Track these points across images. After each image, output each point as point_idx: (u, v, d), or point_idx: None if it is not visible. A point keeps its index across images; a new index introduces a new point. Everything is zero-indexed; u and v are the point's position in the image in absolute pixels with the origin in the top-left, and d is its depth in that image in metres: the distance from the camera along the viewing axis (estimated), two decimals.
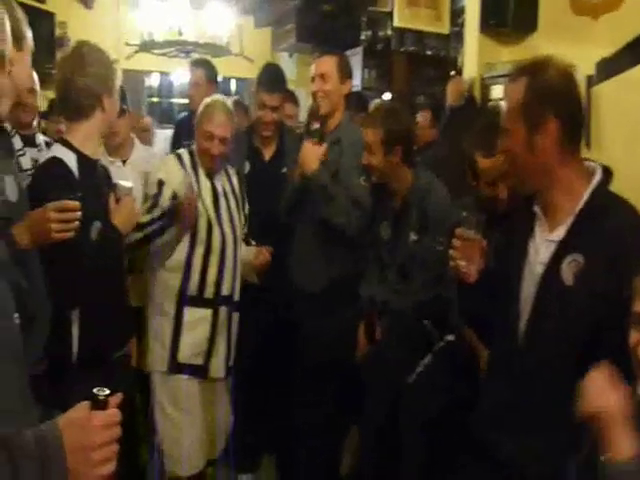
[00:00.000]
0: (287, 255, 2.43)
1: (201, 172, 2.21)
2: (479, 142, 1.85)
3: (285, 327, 2.47)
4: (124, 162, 2.54)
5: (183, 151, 2.26)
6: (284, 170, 2.55)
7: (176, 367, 2.12)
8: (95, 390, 0.86)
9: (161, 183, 2.13)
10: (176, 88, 6.65)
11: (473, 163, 1.87)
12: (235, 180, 2.32)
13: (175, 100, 6.80)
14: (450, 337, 2.09)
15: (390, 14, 5.06)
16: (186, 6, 4.40)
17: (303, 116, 4.56)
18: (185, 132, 3.10)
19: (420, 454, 1.95)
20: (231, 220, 2.23)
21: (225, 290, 2.18)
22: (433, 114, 4.01)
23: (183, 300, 2.14)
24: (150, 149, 2.70)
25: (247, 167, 2.56)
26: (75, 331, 1.66)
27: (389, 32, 5.11)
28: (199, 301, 2.14)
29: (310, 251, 2.38)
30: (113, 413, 0.87)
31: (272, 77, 2.59)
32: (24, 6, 1.49)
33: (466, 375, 1.85)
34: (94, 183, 1.75)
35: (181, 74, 5.67)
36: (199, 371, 2.15)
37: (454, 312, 1.96)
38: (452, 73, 4.63)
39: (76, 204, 1.44)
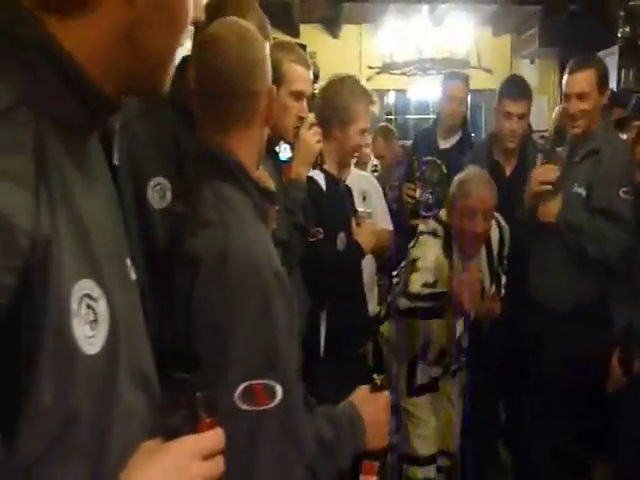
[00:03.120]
0: (527, 271, 2.30)
1: (455, 251, 2.03)
2: None
3: (524, 348, 2.35)
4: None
5: (439, 229, 2.08)
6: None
7: (414, 392, 2.17)
8: (374, 375, 1.04)
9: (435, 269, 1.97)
10: (412, 105, 6.84)
11: None
12: (495, 233, 2.16)
13: (410, 116, 6.99)
14: None
15: None
16: (426, 24, 4.50)
17: (542, 123, 4.29)
18: (423, 145, 3.09)
19: None
20: None
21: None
22: None
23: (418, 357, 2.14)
24: (360, 172, 2.80)
25: None
26: (323, 329, 1.83)
27: None
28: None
29: (556, 267, 2.22)
30: (388, 395, 1.05)
31: (517, 84, 2.52)
32: None
33: None
34: (338, 198, 1.93)
35: (416, 91, 5.80)
36: (430, 388, 2.18)
37: None
38: None
39: None
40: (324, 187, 1.87)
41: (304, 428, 0.91)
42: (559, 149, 2.25)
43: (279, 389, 0.85)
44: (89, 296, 0.56)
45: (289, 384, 0.88)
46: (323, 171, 1.88)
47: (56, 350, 0.52)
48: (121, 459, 0.59)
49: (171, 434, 0.62)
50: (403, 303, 1.97)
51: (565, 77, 2.24)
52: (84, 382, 0.55)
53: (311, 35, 5.90)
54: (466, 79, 3.07)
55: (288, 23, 5.40)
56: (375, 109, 1.91)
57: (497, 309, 2.14)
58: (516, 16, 5.59)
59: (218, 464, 0.64)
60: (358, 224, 1.93)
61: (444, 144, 2.95)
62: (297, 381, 0.92)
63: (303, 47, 5.83)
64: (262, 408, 0.84)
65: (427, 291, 1.94)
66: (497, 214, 2.15)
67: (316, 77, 5.40)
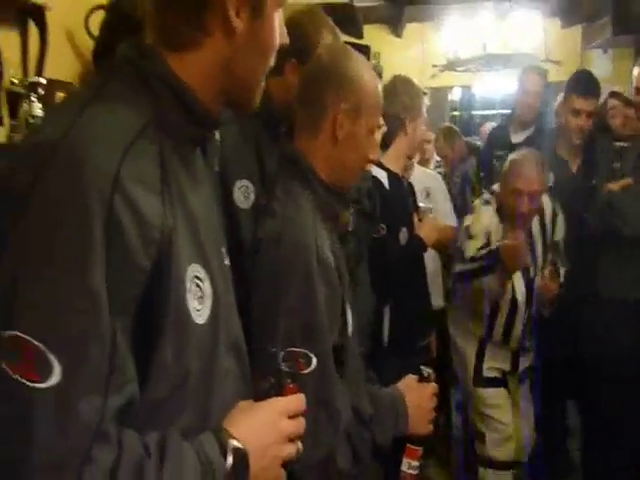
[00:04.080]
0: (596, 266, 2.28)
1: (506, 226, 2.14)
2: None
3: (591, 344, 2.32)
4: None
5: (492, 200, 2.20)
6: (594, 182, 2.38)
7: (480, 381, 2.22)
8: (422, 367, 1.13)
9: (488, 233, 2.12)
10: (477, 100, 6.75)
11: None
12: (548, 210, 2.22)
13: (476, 112, 6.90)
14: None
15: None
16: (490, 19, 4.46)
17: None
18: (496, 142, 3.06)
19: None
20: (532, 270, 2.17)
21: (527, 341, 2.20)
22: None
23: (486, 338, 2.21)
24: (424, 169, 2.81)
25: (551, 179, 2.46)
26: (386, 322, 1.92)
27: None
28: (503, 344, 2.20)
29: (621, 257, 2.21)
30: (435, 386, 1.14)
31: (586, 80, 2.48)
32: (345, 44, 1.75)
33: None
34: (401, 195, 2.01)
35: (482, 87, 5.74)
36: (498, 382, 2.22)
37: None
38: None
39: None
40: (387, 185, 1.95)
41: (337, 398, 1.02)
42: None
43: (314, 359, 0.98)
44: (198, 277, 0.69)
45: (323, 356, 1.00)
46: (385, 169, 1.97)
47: (176, 318, 0.66)
48: (221, 411, 0.73)
49: (261, 396, 0.76)
50: (459, 267, 2.10)
51: (635, 70, 2.20)
52: (195, 346, 0.68)
53: (374, 35, 5.95)
54: (543, 74, 3.04)
55: (351, 25, 5.48)
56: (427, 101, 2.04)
57: (554, 288, 2.13)
58: (586, 6, 5.42)
59: (300, 423, 0.77)
60: (420, 219, 2.00)
61: (516, 138, 2.92)
62: (331, 355, 1.02)
63: (367, 48, 5.88)
64: (300, 372, 0.97)
65: (480, 253, 2.06)
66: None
67: (379, 76, 5.43)
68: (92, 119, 0.64)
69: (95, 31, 2.01)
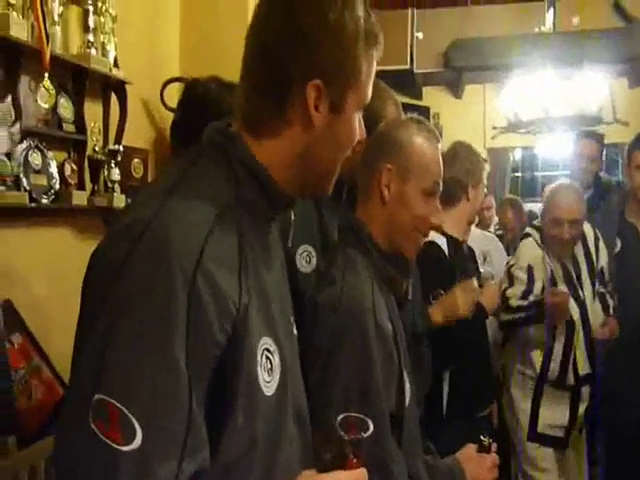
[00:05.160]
0: None
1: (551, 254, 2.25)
2: None
3: None
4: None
5: (534, 232, 2.31)
6: None
7: (535, 437, 2.17)
8: (481, 436, 1.09)
9: (530, 269, 2.21)
10: (540, 161, 6.65)
11: None
12: (590, 237, 2.27)
13: (538, 173, 6.80)
14: None
15: None
16: (553, 80, 4.42)
17: None
18: None
19: None
20: (581, 293, 2.21)
21: (586, 369, 2.17)
22: None
23: (543, 380, 2.19)
24: (482, 232, 2.81)
25: (618, 245, 2.40)
26: (445, 389, 1.87)
27: None
28: (560, 385, 2.18)
29: None
30: (496, 457, 1.10)
31: None
32: (404, 105, 1.78)
33: None
34: (461, 261, 1.99)
35: (544, 147, 5.66)
36: (558, 443, 2.17)
37: None
38: None
39: (474, 285, 1.71)
40: (446, 251, 1.93)
41: (392, 460, 0.99)
42: None
43: (371, 425, 0.97)
44: (268, 350, 0.73)
45: (379, 419, 0.98)
46: (445, 235, 1.96)
47: (247, 391, 0.69)
48: (285, 477, 0.75)
49: (323, 468, 0.76)
50: (505, 317, 2.19)
51: None
52: (263, 415, 0.72)
53: (434, 96, 6.04)
54: (599, 138, 3.01)
55: (411, 86, 5.60)
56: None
57: (614, 331, 2.16)
58: None
59: None
60: (481, 285, 1.96)
61: None
62: (387, 419, 1.01)
63: (426, 109, 5.94)
64: (360, 440, 0.93)
65: (525, 303, 2.17)
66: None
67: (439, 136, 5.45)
68: (178, 202, 0.69)
69: (169, 101, 2.17)
